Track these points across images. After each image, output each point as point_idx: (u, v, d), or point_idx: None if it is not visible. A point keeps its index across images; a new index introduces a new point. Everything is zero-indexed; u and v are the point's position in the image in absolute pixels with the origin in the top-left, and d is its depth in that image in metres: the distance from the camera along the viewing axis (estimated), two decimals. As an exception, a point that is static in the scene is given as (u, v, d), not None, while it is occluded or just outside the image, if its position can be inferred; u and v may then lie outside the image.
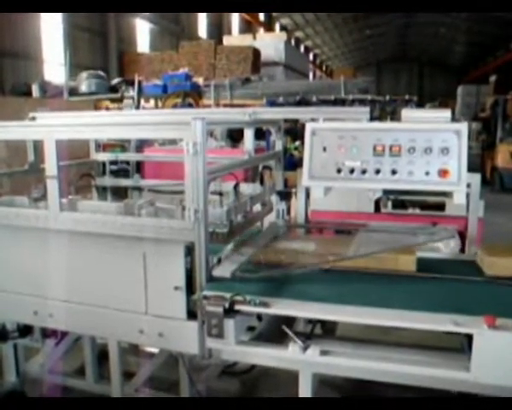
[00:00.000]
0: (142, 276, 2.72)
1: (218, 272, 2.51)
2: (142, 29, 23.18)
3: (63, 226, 2.86)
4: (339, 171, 2.92)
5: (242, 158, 3.43)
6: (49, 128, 2.82)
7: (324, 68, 52.14)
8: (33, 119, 3.93)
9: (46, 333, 3.67)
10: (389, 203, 5.71)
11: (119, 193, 4.37)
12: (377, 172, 2.86)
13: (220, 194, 3.12)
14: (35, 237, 3.02)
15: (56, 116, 3.97)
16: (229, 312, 2.28)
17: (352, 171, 2.90)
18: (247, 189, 3.30)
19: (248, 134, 3.43)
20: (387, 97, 11.19)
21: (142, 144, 7.06)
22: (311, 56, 44.37)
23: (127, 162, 5.73)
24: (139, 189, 4.08)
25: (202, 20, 28.58)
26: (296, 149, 10.45)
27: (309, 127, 3.00)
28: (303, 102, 10.60)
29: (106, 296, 2.85)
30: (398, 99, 11.35)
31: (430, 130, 2.83)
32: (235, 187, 3.00)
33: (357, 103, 10.40)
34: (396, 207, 5.63)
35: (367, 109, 3.31)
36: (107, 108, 12.42)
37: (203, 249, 2.50)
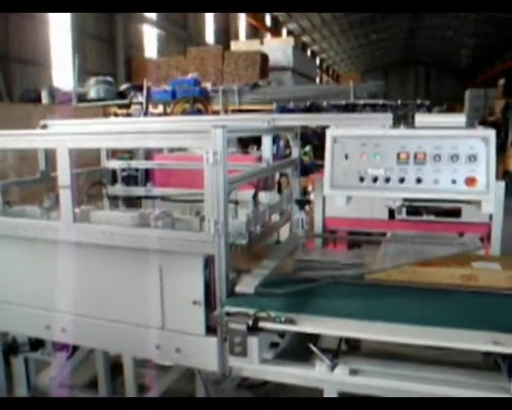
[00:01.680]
0: (158, 290, 2.62)
1: (240, 288, 2.40)
2: (150, 35, 23.18)
3: (76, 238, 2.77)
4: (361, 179, 2.81)
5: (261, 166, 3.33)
6: (62, 137, 2.73)
7: (331, 73, 52.05)
8: (45, 126, 3.85)
9: (57, 346, 3.59)
10: (403, 210, 5.61)
11: (130, 200, 4.27)
12: (401, 180, 2.75)
13: (236, 202, 3.03)
14: (47, 248, 2.93)
15: (68, 124, 3.89)
16: (253, 329, 2.18)
17: (375, 179, 2.79)
18: (265, 198, 3.19)
19: (267, 141, 3.34)
20: (399, 102, 11.07)
21: (150, 151, 6.99)
22: (317, 61, 44.28)
23: (136, 169, 5.65)
24: (152, 197, 3.98)
25: (209, 25, 28.57)
26: (306, 154, 10.35)
27: (330, 134, 2.90)
28: (314, 108, 10.50)
29: (121, 311, 2.75)
30: (410, 103, 11.22)
31: (456, 136, 2.72)
32: (254, 196, 2.89)
33: (369, 108, 10.30)
34: (410, 214, 5.53)
35: (389, 115, 3.19)
36: (116, 115, 12.37)
37: (223, 263, 2.40)
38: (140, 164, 4.46)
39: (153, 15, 22.98)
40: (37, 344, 3.42)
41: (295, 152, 3.68)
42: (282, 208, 3.40)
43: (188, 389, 3.37)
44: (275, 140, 8.70)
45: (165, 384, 3.26)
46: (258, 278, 2.49)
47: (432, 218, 5.61)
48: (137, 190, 4.05)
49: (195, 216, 2.71)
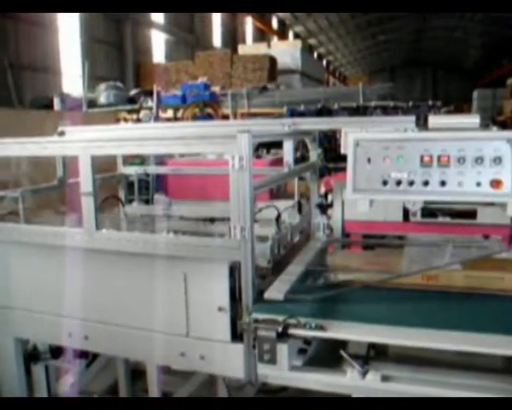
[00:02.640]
0: (183, 297, 2.59)
1: (269, 295, 2.37)
2: (158, 40, 23.27)
3: (99, 245, 2.76)
4: (385, 183, 2.78)
5: (283, 171, 3.31)
6: (85, 144, 2.72)
7: (337, 75, 52.01)
8: (62, 133, 3.85)
9: (77, 353, 3.59)
10: (418, 212, 5.57)
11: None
12: (425, 183, 2.72)
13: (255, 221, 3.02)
14: (68, 255, 2.92)
15: (85, 130, 3.88)
16: (283, 336, 2.15)
17: (398, 183, 2.76)
18: (287, 218, 3.19)
19: (288, 146, 3.31)
20: (410, 103, 11.01)
21: (162, 156, 6.99)
22: (324, 63, 44.25)
23: (147, 174, 5.65)
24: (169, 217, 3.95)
25: (216, 29, 28.65)
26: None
27: (352, 138, 2.88)
28: (324, 110, 10.48)
29: (144, 318, 2.73)
30: (422, 105, 11.16)
31: (480, 138, 2.68)
32: (277, 218, 2.89)
33: (380, 110, 10.25)
34: (425, 216, 5.49)
35: (412, 118, 3.17)
36: (125, 120, 12.41)
37: (250, 269, 2.38)
38: (157, 170, 4.45)
39: (160, 20, 23.09)
40: (58, 352, 3.41)
41: (313, 155, 3.66)
42: (302, 227, 3.39)
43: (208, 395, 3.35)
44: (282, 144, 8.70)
45: (187, 391, 3.23)
46: (286, 284, 2.46)
47: (447, 220, 5.59)
48: (155, 210, 4.03)
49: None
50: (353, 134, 2.91)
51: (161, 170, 4.50)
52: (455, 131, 2.86)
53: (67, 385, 3.79)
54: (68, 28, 17.13)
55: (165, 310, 2.68)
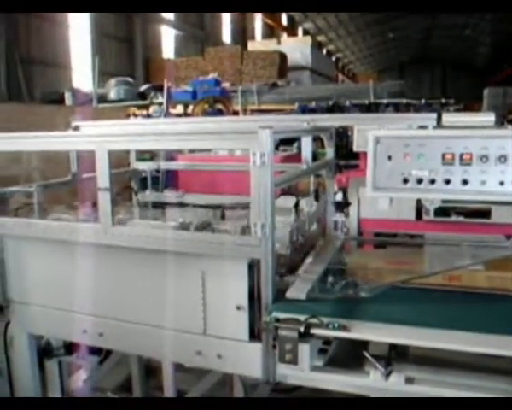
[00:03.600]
0: (200, 294, 2.56)
1: (291, 294, 2.33)
2: (168, 35, 23.25)
3: (115, 242, 2.72)
4: (405, 181, 2.73)
5: (301, 167, 3.27)
6: (102, 138, 2.68)
7: (346, 72, 51.79)
8: (76, 128, 3.82)
9: (92, 349, 3.57)
10: (431, 211, 5.51)
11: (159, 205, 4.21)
12: (447, 182, 2.67)
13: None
14: (84, 251, 2.89)
15: (100, 125, 3.86)
16: (305, 336, 2.11)
17: (419, 181, 2.71)
18: (305, 205, 3.13)
19: (307, 142, 3.27)
20: (423, 101, 10.90)
21: (171, 152, 6.94)
22: (332, 60, 44.07)
23: (157, 170, 5.61)
24: (182, 205, 3.90)
25: (226, 25, 28.59)
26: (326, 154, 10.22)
27: (372, 135, 2.82)
28: (336, 107, 10.40)
29: (160, 316, 2.70)
30: (435, 102, 11.04)
31: (503, 136, 2.63)
32: (296, 205, 2.83)
33: (392, 107, 10.16)
34: (438, 215, 5.43)
35: (433, 115, 3.12)
36: (135, 115, 12.39)
37: (270, 267, 2.33)
38: (170, 165, 4.41)
39: (170, 16, 23.07)
40: (72, 348, 3.39)
41: (330, 152, 3.60)
42: (319, 216, 3.33)
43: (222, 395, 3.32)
44: (296, 140, 8.63)
45: (201, 389, 3.20)
46: (307, 283, 2.42)
47: (461, 219, 5.52)
48: (168, 197, 3.98)
49: (235, 225, 2.66)
50: (373, 131, 2.85)
51: (175, 166, 4.46)
52: (472, 129, 2.81)
53: (80, 381, 3.79)
54: (79, 23, 17.15)
55: (181, 308, 2.65)
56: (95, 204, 3.24)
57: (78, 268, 2.94)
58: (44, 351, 3.41)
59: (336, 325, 2.09)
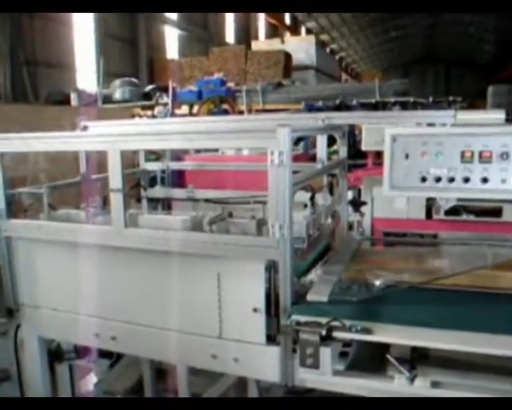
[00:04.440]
0: (216, 297, 2.50)
1: (312, 297, 2.27)
2: (171, 36, 23.21)
3: (128, 244, 2.67)
4: (423, 179, 2.66)
5: (316, 167, 3.21)
6: (114, 138, 2.63)
7: (349, 71, 51.66)
8: (85, 128, 3.77)
9: (102, 353, 3.52)
10: (441, 210, 5.44)
11: (168, 203, 4.16)
12: (466, 180, 2.61)
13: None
14: (96, 254, 2.84)
15: (109, 125, 3.80)
16: (326, 339, 2.05)
17: (438, 179, 2.65)
18: (320, 199, 3.07)
19: (321, 141, 3.21)
20: (431, 99, 10.81)
21: (177, 152, 6.89)
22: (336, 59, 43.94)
23: (163, 171, 5.56)
24: (193, 200, 3.84)
25: (230, 25, 28.54)
26: (334, 153, 10.16)
27: (389, 133, 2.76)
28: (343, 106, 10.33)
29: (175, 319, 2.65)
30: (443, 100, 10.95)
31: (526, 133, 2.57)
32: (312, 198, 2.76)
33: (399, 106, 10.08)
34: (449, 214, 5.36)
35: (452, 113, 3.05)
36: (139, 116, 12.35)
37: (288, 269, 2.27)
38: (181, 165, 4.36)
39: (174, 16, 23.04)
40: (82, 351, 3.35)
41: (343, 151, 3.54)
42: (333, 210, 3.26)
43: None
44: (303, 138, 8.56)
45: (215, 392, 3.15)
46: (328, 284, 2.36)
47: (471, 217, 5.46)
48: (178, 193, 3.93)
49: (251, 220, 2.59)
50: (390, 129, 2.79)
51: (186, 166, 4.41)
52: (492, 126, 2.75)
53: (91, 385, 3.74)
54: (83, 24, 17.13)
55: (196, 310, 2.60)
56: (104, 203, 3.21)
57: (90, 271, 2.89)
58: (55, 355, 3.36)
59: (359, 327, 2.04)
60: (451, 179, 2.61)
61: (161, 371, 3.79)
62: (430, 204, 5.33)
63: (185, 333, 2.63)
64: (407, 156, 2.70)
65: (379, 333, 2.05)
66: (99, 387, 3.72)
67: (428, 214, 5.43)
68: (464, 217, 5.40)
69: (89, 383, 3.78)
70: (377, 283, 2.43)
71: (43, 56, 15.22)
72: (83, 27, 17.25)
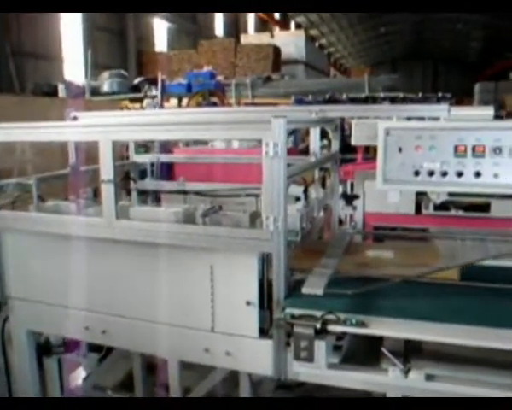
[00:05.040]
0: (208, 290, 2.48)
1: (307, 290, 2.24)
2: (160, 28, 23.04)
3: (120, 236, 2.63)
4: (416, 173, 2.66)
5: (309, 160, 3.19)
6: (106, 128, 2.59)
7: (338, 67, 51.69)
8: (75, 118, 3.71)
9: (92, 347, 3.48)
10: (431, 205, 5.47)
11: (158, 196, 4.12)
12: (459, 174, 2.61)
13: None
14: (86, 246, 2.80)
15: (99, 116, 3.75)
16: (321, 332, 2.04)
17: (431, 173, 2.64)
18: (313, 192, 3.05)
19: (314, 134, 3.19)
20: (420, 95, 10.85)
21: (166, 144, 6.82)
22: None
23: (152, 164, 5.51)
24: (184, 193, 3.80)
25: (219, 18, 28.41)
26: (323, 147, 10.16)
27: (382, 126, 2.75)
28: (332, 101, 10.33)
29: (167, 312, 2.62)
30: (432, 96, 11.00)
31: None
32: (305, 191, 2.75)
33: (388, 101, 10.10)
34: (438, 209, 5.39)
35: (445, 107, 3.04)
36: (128, 108, 12.25)
37: (282, 261, 2.25)
38: (171, 158, 4.32)
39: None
40: (71, 345, 3.31)
41: (336, 145, 3.53)
42: (325, 203, 3.25)
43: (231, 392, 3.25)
44: (293, 132, 8.55)
45: (207, 386, 3.12)
46: (323, 278, 2.34)
47: (460, 213, 5.49)
48: (169, 185, 3.89)
49: (244, 212, 2.57)
50: (383, 123, 2.78)
51: (177, 158, 4.37)
52: (485, 120, 2.75)
53: (80, 379, 3.70)
54: (70, 16, 16.92)
55: (189, 304, 2.57)
56: (95, 195, 3.16)
57: (80, 263, 2.84)
58: (43, 348, 3.31)
59: (354, 321, 2.03)
60: (444, 173, 2.61)
61: (152, 366, 3.75)
62: (420, 199, 5.36)
63: (177, 327, 2.60)
64: (400, 150, 2.69)
65: (373, 326, 2.04)
66: (88, 381, 3.68)
67: (418, 209, 5.46)
68: (453, 212, 5.44)
69: (78, 378, 3.75)
70: (371, 276, 2.42)
71: (29, 47, 15.02)
72: (70, 19, 17.04)
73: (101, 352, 3.57)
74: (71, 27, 17.17)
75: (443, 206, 5.27)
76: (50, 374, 3.43)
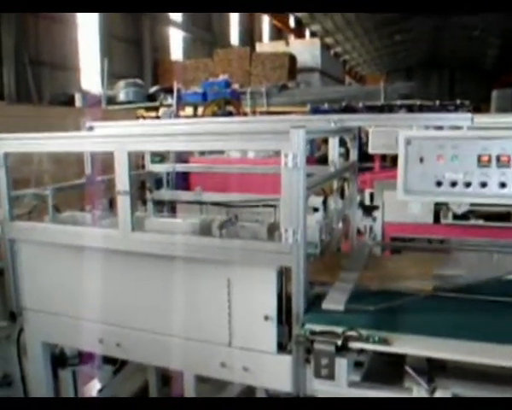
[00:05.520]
0: (225, 303, 2.42)
1: (328, 305, 2.17)
2: (176, 37, 23.16)
3: (135, 248, 2.59)
4: (439, 184, 2.58)
5: (328, 169, 3.13)
6: (122, 139, 2.55)
7: (353, 75, 51.55)
8: (91, 128, 3.70)
9: (107, 358, 3.44)
10: (450, 214, 5.36)
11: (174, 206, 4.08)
12: (483, 185, 2.53)
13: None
14: (101, 258, 2.76)
15: (115, 125, 3.73)
16: (342, 349, 1.97)
17: (453, 184, 2.57)
18: (332, 203, 2.99)
19: (333, 144, 3.13)
20: (437, 102, 10.70)
21: (182, 154, 6.80)
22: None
23: (167, 173, 5.48)
24: (200, 203, 3.75)
25: (234, 27, 28.50)
26: (341, 155, 10.07)
27: (403, 136, 2.68)
28: (349, 109, 10.25)
29: (182, 325, 2.57)
30: (450, 104, 10.84)
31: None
32: (325, 202, 2.68)
33: (405, 109, 9.99)
34: (457, 218, 5.28)
35: (468, 115, 2.97)
36: (143, 117, 12.30)
37: (302, 276, 2.19)
38: (187, 168, 4.27)
39: (178, 18, 22.99)
40: (86, 357, 3.27)
41: (354, 154, 3.47)
42: (344, 214, 3.19)
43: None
44: (310, 140, 8.50)
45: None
46: (343, 293, 2.27)
47: (480, 222, 5.37)
48: (185, 195, 3.84)
49: (262, 224, 2.52)
50: (404, 132, 2.71)
51: (193, 168, 4.33)
52: (501, 129, 2.67)
53: (95, 391, 3.66)
54: (87, 25, 17.07)
55: (205, 317, 2.52)
56: (111, 205, 3.13)
57: (95, 275, 2.81)
58: (58, 360, 3.29)
59: (376, 338, 1.95)
60: (468, 184, 2.54)
61: (167, 378, 3.71)
62: (438, 208, 5.25)
63: (193, 340, 2.55)
64: (422, 160, 2.62)
65: (397, 344, 1.96)
66: (103, 393, 3.64)
67: (436, 218, 5.35)
68: (473, 221, 5.33)
69: (92, 390, 3.71)
70: (393, 290, 2.34)
71: (47, 57, 15.16)
72: (87, 28, 17.19)
73: (116, 364, 3.53)
74: (88, 37, 17.31)
75: (462, 215, 5.17)
76: (65, 386, 3.40)
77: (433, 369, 2.14)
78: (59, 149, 2.94)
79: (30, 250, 3.00)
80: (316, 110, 10.79)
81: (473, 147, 2.54)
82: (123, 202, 2.56)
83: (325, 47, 35.29)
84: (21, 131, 2.90)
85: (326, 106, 10.98)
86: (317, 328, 2.07)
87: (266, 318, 2.33)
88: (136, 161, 4.39)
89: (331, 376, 2.02)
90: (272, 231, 2.45)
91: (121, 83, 12.92)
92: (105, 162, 3.49)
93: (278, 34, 32.86)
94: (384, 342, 1.95)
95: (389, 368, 2.16)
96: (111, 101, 12.34)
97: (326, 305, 2.18)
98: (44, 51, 15.06)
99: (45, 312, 3.01)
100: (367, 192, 3.95)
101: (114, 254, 2.70)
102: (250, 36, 29.00)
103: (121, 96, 12.49)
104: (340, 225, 3.08)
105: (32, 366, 3.18)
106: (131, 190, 2.56)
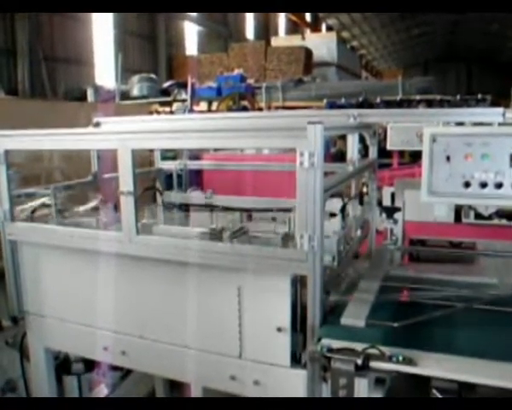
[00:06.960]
0: (236, 313, 2.26)
1: (347, 320, 1.97)
2: (191, 32, 23.02)
3: (140, 252, 2.42)
4: (467, 185, 2.39)
5: (346, 168, 2.93)
6: (125, 136, 2.38)
7: (370, 69, 51.03)
8: (97, 124, 3.54)
9: (112, 366, 3.29)
10: (471, 213, 5.12)
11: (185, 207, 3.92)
12: (516, 186, 2.32)
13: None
14: (105, 262, 2.61)
15: (123, 121, 3.57)
16: (362, 369, 1.78)
17: (483, 185, 2.37)
18: (350, 210, 2.80)
19: (352, 141, 2.94)
20: (458, 97, 10.39)
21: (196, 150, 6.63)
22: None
23: (180, 169, 5.31)
24: (211, 207, 3.56)
25: (250, 21, 28.29)
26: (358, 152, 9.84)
27: (428, 132, 2.48)
28: (365, 104, 10.00)
29: (190, 335, 2.41)
30: (471, 98, 10.53)
31: None
32: (343, 209, 2.48)
33: (424, 104, 9.71)
34: (479, 217, 5.05)
35: (500, 110, 2.74)
36: (157, 112, 12.17)
37: (318, 286, 2.01)
38: (200, 165, 4.11)
39: (193, 12, 22.83)
40: (90, 363, 3.13)
41: (374, 151, 3.27)
42: (364, 220, 2.99)
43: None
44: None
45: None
46: (364, 306, 2.07)
47: (503, 222, 5.13)
48: (196, 198, 3.66)
49: (276, 231, 2.34)
50: (429, 128, 2.51)
51: (205, 165, 4.17)
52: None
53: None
54: (101, 20, 17.01)
55: (214, 327, 2.36)
56: (116, 206, 2.97)
57: (100, 279, 2.66)
58: (62, 366, 3.16)
59: (400, 357, 1.76)
60: (499, 185, 2.34)
61: (175, 385, 3.56)
62: (459, 207, 5.02)
63: (202, 351, 2.40)
64: (448, 159, 2.42)
65: (423, 364, 1.77)
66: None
67: (457, 217, 5.12)
68: (496, 221, 5.09)
69: (99, 396, 3.58)
70: (417, 301, 2.14)
71: (61, 52, 15.13)
72: (102, 24, 17.12)
73: (123, 371, 3.39)
74: (102, 32, 17.24)
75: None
76: (70, 392, 3.28)
77: (463, 388, 1.95)
78: (59, 146, 2.80)
79: (32, 252, 2.87)
80: (332, 105, 10.55)
81: (505, 145, 2.34)
82: (127, 204, 2.40)
83: (341, 41, 34.91)
84: (34, 127, 2.76)
85: (343, 100, 10.73)
86: (335, 344, 1.88)
87: (279, 329, 2.16)
88: (149, 156, 4.24)
89: (350, 397, 1.83)
90: (287, 236, 2.27)
91: (135, 78, 12.82)
92: (115, 159, 3.35)
93: (294, 28, 32.56)
94: (409, 362, 1.76)
95: (414, 386, 1.97)
96: (125, 96, 12.23)
97: (345, 320, 1.97)
98: (59, 47, 15.04)
99: (48, 317, 2.89)
100: (388, 191, 3.72)
101: (119, 258, 2.54)
102: (265, 30, 28.75)
103: (135, 91, 12.39)
104: (359, 232, 2.88)
105: (36, 372, 3.06)
106: (136, 191, 2.40)
